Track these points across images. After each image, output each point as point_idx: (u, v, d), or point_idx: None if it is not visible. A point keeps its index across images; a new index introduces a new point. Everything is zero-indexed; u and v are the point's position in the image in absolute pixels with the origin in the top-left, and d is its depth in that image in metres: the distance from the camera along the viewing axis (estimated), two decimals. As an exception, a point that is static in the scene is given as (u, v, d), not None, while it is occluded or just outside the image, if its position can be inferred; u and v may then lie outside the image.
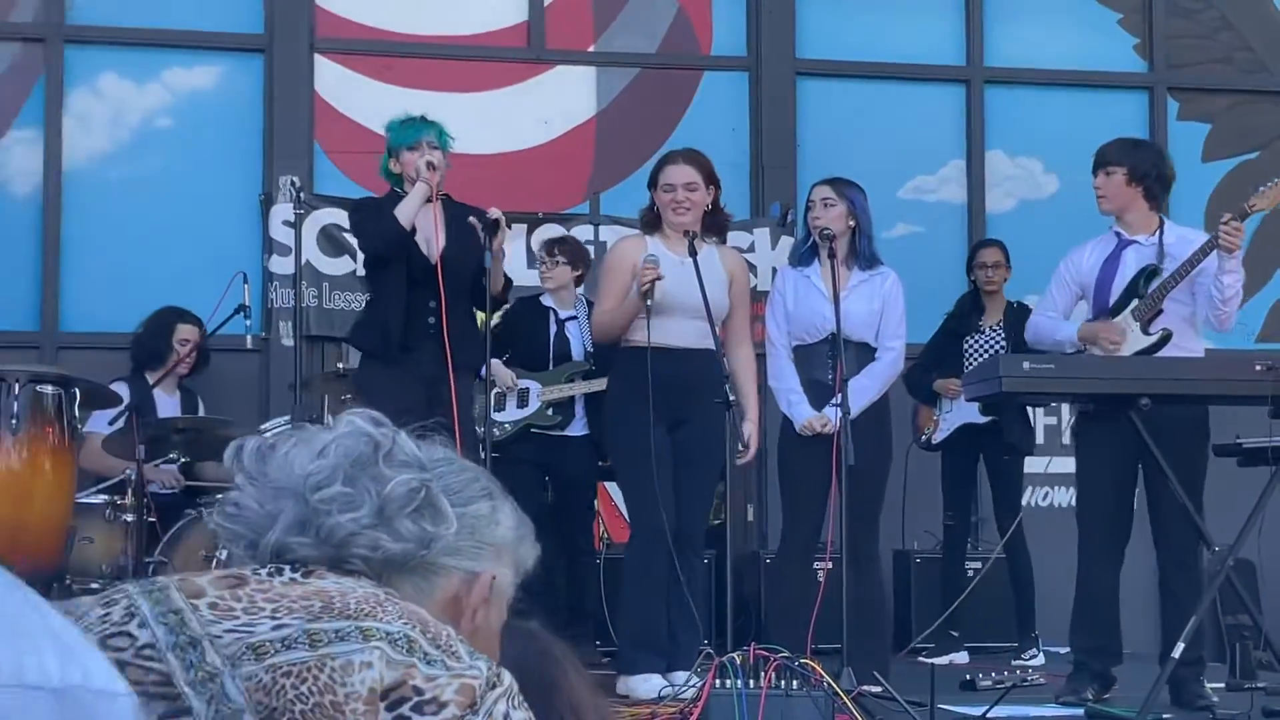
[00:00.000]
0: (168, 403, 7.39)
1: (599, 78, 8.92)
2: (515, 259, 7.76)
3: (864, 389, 6.07)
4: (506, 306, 6.61)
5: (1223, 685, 5.93)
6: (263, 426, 6.54)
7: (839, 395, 5.82)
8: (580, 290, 7.46)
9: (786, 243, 8.24)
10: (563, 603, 7.15)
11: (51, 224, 8.24)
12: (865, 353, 6.21)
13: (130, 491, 6.40)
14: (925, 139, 9.12)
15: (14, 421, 5.64)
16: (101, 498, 6.46)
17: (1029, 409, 7.88)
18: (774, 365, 6.30)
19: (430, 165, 5.98)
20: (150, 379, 7.36)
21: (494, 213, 6.01)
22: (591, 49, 8.94)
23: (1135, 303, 5.95)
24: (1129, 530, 5.96)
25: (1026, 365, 5.58)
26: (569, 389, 7.24)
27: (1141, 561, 6.18)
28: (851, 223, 6.21)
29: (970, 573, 7.83)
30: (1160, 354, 5.89)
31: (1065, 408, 8.25)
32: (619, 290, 6.06)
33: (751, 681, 4.96)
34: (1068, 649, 6.18)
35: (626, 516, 6.56)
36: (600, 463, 7.27)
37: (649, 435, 5.78)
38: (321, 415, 6.90)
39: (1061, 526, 7.33)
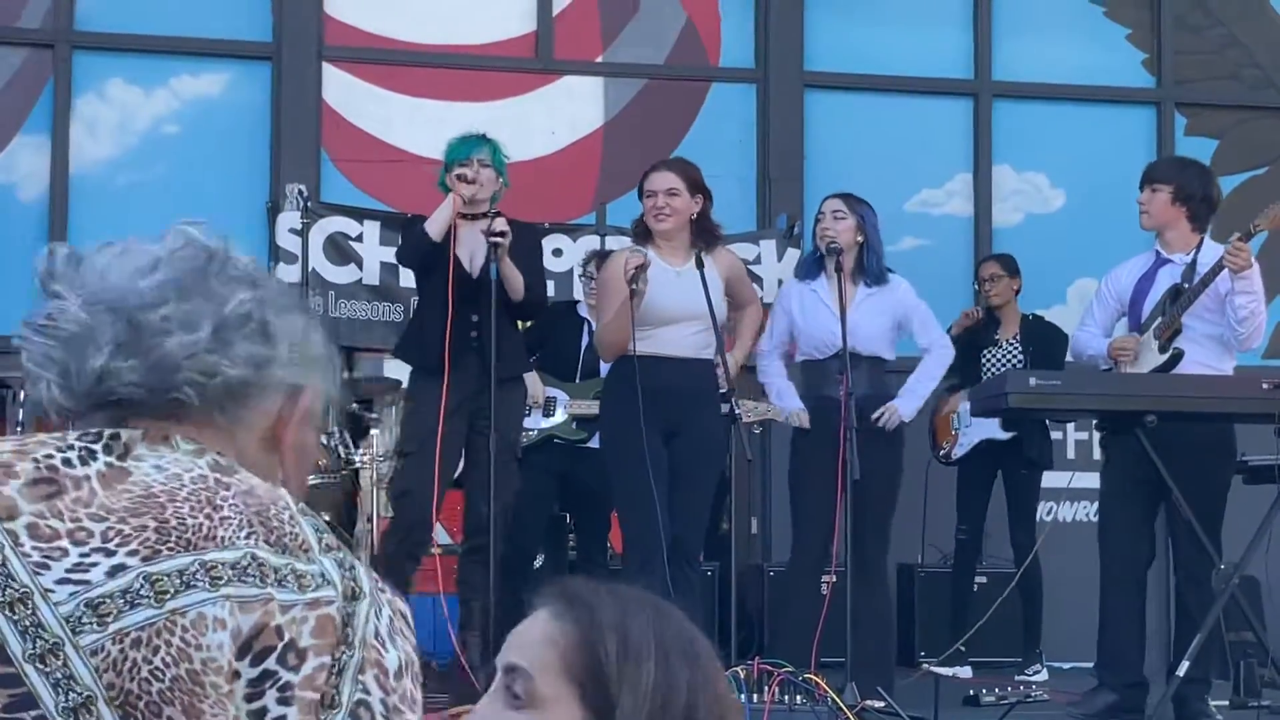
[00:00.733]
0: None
1: (607, 88, 8.91)
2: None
3: (917, 391, 6.20)
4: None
5: (1227, 703, 5.92)
6: None
7: (845, 408, 5.82)
8: None
9: (792, 255, 8.22)
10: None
11: (58, 229, 8.22)
12: (878, 366, 6.20)
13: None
14: (932, 152, 9.10)
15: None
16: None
17: (1049, 424, 7.81)
18: (760, 362, 6.36)
19: (462, 179, 6.08)
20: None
21: (499, 224, 6.04)
22: (599, 59, 8.93)
23: (1159, 320, 5.94)
24: (1152, 549, 5.91)
25: (1033, 381, 5.57)
26: (597, 406, 7.23)
27: (1150, 580, 6.13)
28: (860, 238, 6.21)
29: (976, 587, 7.78)
30: (1186, 371, 5.83)
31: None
32: (617, 302, 6.06)
33: (755, 696, 4.96)
34: (1071, 665, 6.16)
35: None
36: None
37: (642, 445, 5.72)
38: (328, 424, 6.88)
39: (1077, 540, 7.30)
